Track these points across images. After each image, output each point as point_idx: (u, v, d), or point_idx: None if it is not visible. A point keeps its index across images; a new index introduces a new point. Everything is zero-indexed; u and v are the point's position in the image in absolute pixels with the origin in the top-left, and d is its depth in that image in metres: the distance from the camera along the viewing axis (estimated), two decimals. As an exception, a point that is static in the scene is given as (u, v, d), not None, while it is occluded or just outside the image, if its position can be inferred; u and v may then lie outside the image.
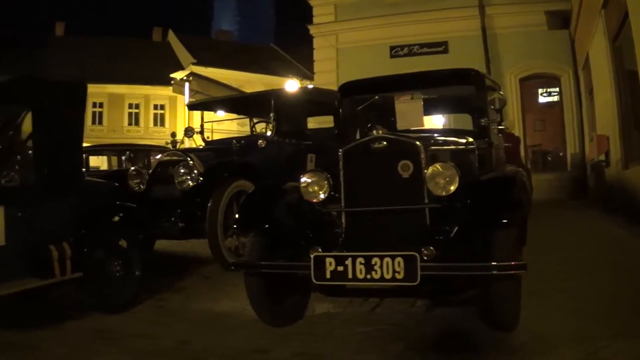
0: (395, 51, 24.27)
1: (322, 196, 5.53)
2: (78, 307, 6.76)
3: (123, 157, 17.72)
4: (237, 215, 6.22)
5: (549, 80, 23.27)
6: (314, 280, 4.92)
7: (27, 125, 6.52)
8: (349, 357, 5.04)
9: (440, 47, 23.57)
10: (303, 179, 5.59)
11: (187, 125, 11.65)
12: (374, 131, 5.66)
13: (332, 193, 5.55)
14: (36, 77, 7.21)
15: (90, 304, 6.74)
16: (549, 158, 23.37)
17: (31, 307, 6.90)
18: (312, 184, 5.56)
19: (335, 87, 17.26)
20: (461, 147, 6.23)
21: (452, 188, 5.09)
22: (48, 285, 6.25)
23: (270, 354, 5.18)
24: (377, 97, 7.42)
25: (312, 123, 13.12)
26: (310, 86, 20.55)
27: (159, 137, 46.47)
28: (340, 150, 5.60)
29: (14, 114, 6.62)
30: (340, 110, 7.56)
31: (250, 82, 43.59)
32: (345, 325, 5.88)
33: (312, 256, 4.93)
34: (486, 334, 5.23)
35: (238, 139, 10.28)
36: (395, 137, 5.56)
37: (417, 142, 5.39)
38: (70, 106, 6.86)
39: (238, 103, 12.40)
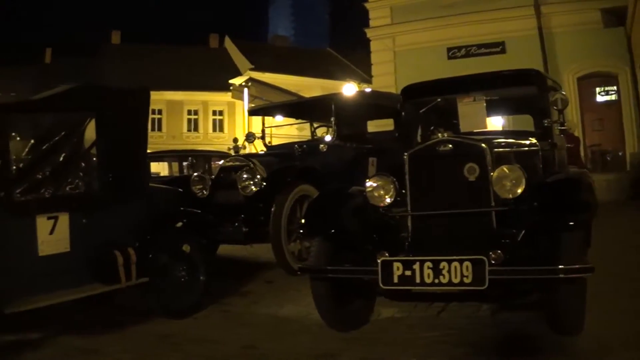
0: (453, 52, 24.09)
1: (388, 200, 5.50)
2: (142, 312, 6.83)
3: (184, 163, 17.87)
4: (303, 220, 6.22)
5: (607, 79, 22.86)
6: (381, 285, 4.90)
7: (91, 132, 6.59)
8: (415, 362, 4.98)
9: (498, 47, 23.30)
10: (369, 183, 5.57)
11: (246, 131, 11.70)
12: (439, 134, 5.61)
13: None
14: (99, 84, 7.30)
15: (155, 309, 6.79)
16: (608, 158, 22.88)
17: (95, 313, 6.98)
18: (377, 188, 5.53)
19: (393, 90, 17.23)
20: (525, 148, 6.15)
21: (519, 190, 5.03)
22: (111, 291, 6.33)
23: (337, 359, 5.15)
24: (439, 100, 7.34)
25: (371, 126, 13.06)
26: (368, 89, 20.48)
27: (218, 142, 46.71)
28: (406, 153, 5.56)
29: (78, 121, 6.69)
30: (403, 113, 7.49)
31: (307, 86, 43.49)
32: (411, 330, 5.83)
33: (379, 261, 4.91)
34: (551, 339, 5.15)
35: (300, 143, 10.28)
36: (460, 140, 5.52)
37: (483, 145, 5.34)
38: (134, 113, 6.95)
39: (298, 107, 12.41)
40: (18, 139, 6.69)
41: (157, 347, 5.83)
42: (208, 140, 50.84)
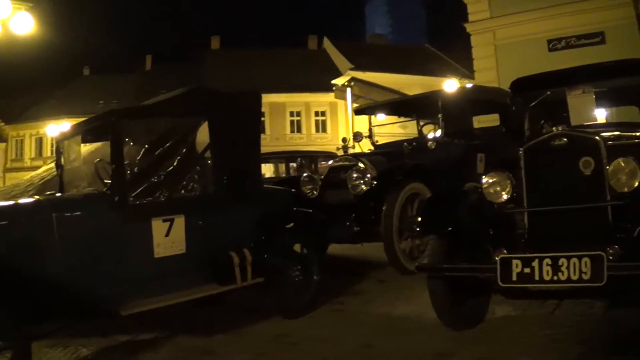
0: (553, 44, 23.50)
1: (504, 197, 5.43)
2: (256, 312, 6.95)
3: (291, 164, 18.04)
4: (418, 218, 6.21)
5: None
6: (500, 283, 4.83)
7: (204, 135, 6.72)
8: (532, 361, 4.92)
9: (597, 37, 22.57)
10: (485, 180, 5.50)
11: (350, 131, 11.71)
12: (553, 128, 5.52)
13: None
14: (210, 88, 7.43)
15: (270, 308, 6.89)
16: None
17: (209, 313, 7.10)
18: (494, 184, 5.46)
19: (496, 85, 16.98)
20: (637, 140, 5.98)
21: (635, 184, 4.90)
22: (224, 291, 6.43)
23: (454, 358, 5.13)
24: (548, 93, 7.22)
25: (475, 122, 12.91)
26: (469, 85, 20.26)
27: (321, 143, 47.11)
28: (521, 148, 5.48)
29: (191, 125, 6.83)
30: (513, 107, 7.39)
31: (407, 84, 43.26)
32: (526, 328, 5.76)
33: (497, 258, 4.85)
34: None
35: (409, 141, 10.21)
36: (575, 134, 5.40)
37: (597, 138, 5.22)
38: (246, 115, 7.05)
39: (404, 105, 12.38)
40: (132, 144, 6.89)
41: (273, 346, 5.90)
42: (311, 140, 51.33)
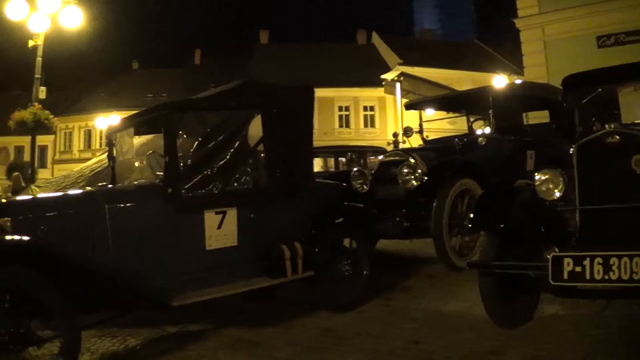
0: (602, 41, 23.11)
1: (557, 194, 5.38)
2: (304, 305, 6.99)
3: (341, 159, 18.05)
4: (471, 215, 6.19)
5: None
6: (551, 281, 4.81)
7: (257, 129, 6.77)
8: (582, 360, 4.90)
9: (646, 34, 22.28)
10: (537, 177, 5.46)
11: (400, 126, 11.65)
12: (606, 125, 5.47)
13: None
14: (263, 82, 7.47)
15: (320, 302, 6.92)
16: None
17: (257, 306, 7.14)
18: (546, 182, 5.41)
19: (545, 81, 16.81)
20: None
21: None
22: (275, 284, 6.48)
23: (504, 356, 5.12)
24: (600, 90, 7.15)
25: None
26: (518, 81, 20.03)
27: (370, 138, 47.14)
28: (574, 145, 5.44)
29: (244, 118, 6.87)
30: (564, 104, 7.33)
31: (456, 79, 43.02)
32: (575, 328, 5.72)
33: (549, 256, 4.82)
34: None
35: (460, 137, 10.16)
36: (628, 131, 5.33)
37: (649, 136, 5.17)
38: (299, 109, 7.09)
39: (454, 101, 12.29)
40: (185, 136, 6.95)
41: (321, 340, 5.93)
42: (359, 135, 51.36)
